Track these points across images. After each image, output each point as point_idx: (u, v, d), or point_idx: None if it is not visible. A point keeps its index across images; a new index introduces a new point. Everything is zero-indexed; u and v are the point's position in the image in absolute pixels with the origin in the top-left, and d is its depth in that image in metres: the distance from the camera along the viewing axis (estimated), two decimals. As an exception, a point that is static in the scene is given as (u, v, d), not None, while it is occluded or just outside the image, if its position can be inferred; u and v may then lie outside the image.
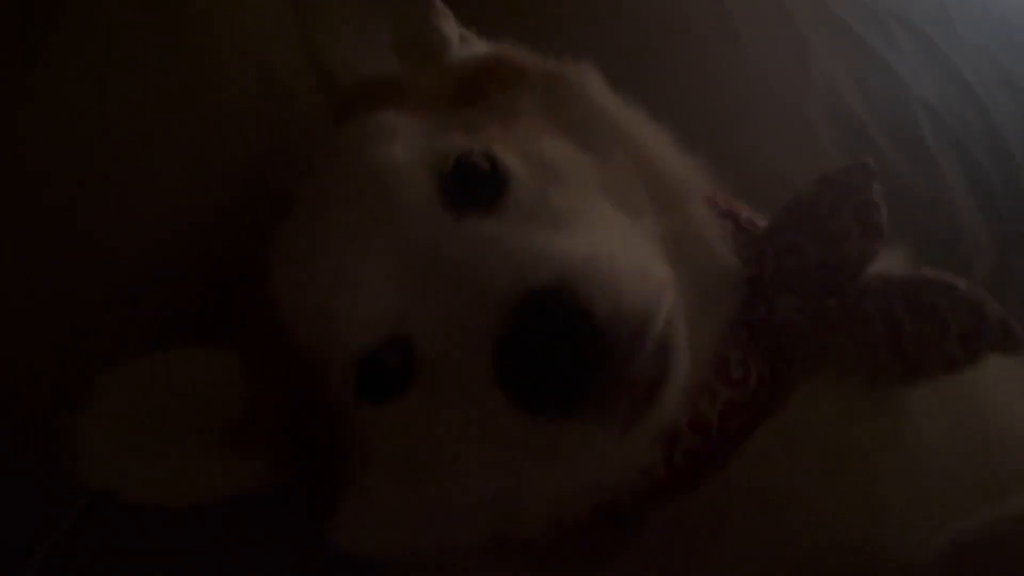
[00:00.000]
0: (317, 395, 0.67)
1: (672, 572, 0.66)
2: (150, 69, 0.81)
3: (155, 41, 0.82)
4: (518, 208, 0.66)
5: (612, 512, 0.67)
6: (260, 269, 0.70)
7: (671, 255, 0.68)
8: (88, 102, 0.78)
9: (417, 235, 0.64)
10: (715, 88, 1.12)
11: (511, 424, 0.56)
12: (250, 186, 0.81)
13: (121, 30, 0.81)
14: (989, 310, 0.64)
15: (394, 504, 0.68)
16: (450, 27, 0.85)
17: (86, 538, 0.76)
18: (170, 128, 0.80)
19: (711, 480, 0.66)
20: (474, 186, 0.66)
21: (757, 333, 0.70)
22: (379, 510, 0.69)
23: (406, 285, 0.63)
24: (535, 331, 0.54)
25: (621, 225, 0.67)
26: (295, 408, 0.69)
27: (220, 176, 0.81)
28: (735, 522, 0.65)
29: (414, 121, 0.72)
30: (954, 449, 0.66)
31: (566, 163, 0.70)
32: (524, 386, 0.55)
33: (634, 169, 0.73)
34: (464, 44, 0.86)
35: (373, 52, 0.84)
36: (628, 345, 0.55)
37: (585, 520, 0.67)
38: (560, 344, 0.54)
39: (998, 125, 1.33)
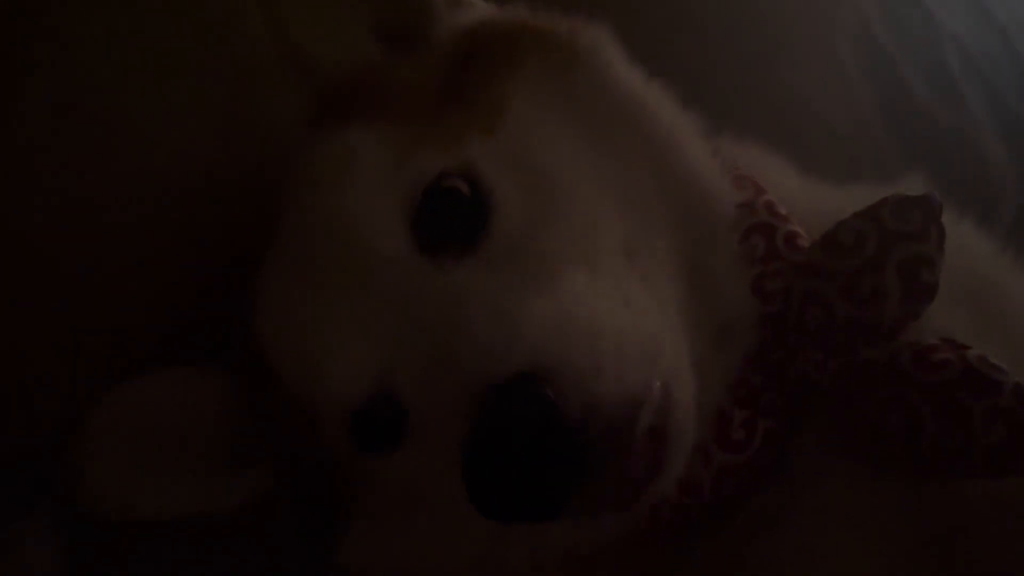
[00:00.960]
0: (311, 436, 0.65)
1: None
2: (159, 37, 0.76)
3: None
4: (501, 244, 0.59)
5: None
6: (250, 303, 0.67)
7: (684, 284, 0.62)
8: (90, 79, 0.73)
9: (392, 288, 0.59)
10: (748, 23, 1.10)
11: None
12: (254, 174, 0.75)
13: None
14: None
15: (393, 533, 0.68)
16: None
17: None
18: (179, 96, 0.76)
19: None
20: (452, 215, 0.60)
21: (771, 382, 0.62)
22: (382, 537, 0.68)
23: (386, 341, 0.58)
24: (500, 434, 0.48)
25: (619, 267, 0.60)
26: (291, 439, 0.68)
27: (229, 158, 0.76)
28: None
29: (383, 141, 0.64)
30: None
31: (562, 172, 0.63)
32: (488, 495, 0.49)
33: (652, 169, 0.66)
34: (458, 8, 0.76)
35: (353, 35, 0.75)
36: (608, 443, 0.49)
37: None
38: (527, 450, 0.47)
39: (1028, 62, 1.32)
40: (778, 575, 0.59)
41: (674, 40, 0.96)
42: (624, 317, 0.55)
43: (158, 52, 0.75)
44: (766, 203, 0.67)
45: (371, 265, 0.60)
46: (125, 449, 0.66)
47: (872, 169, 0.81)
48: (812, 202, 0.70)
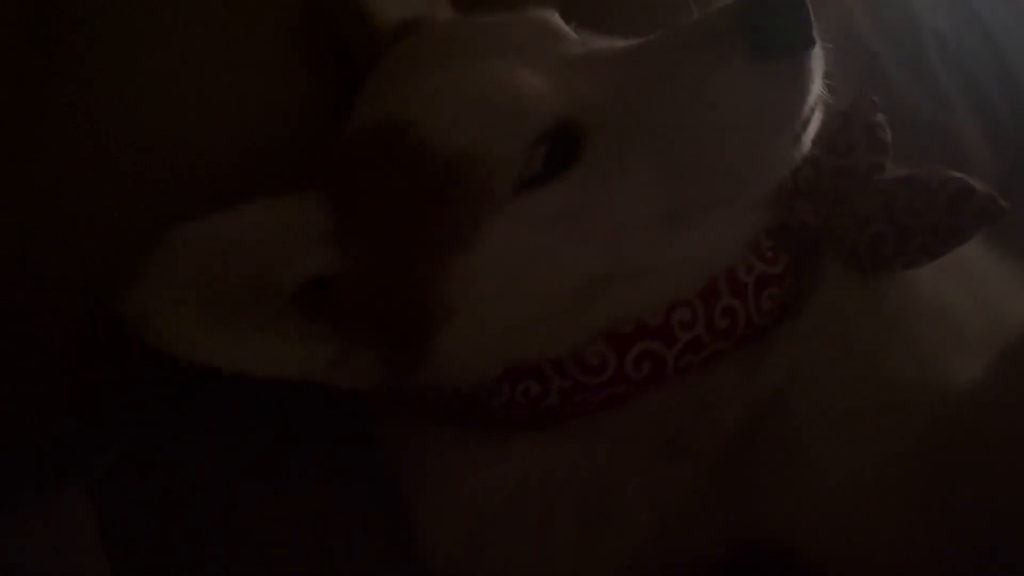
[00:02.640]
0: (441, 210, 0.66)
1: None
2: None
3: None
4: None
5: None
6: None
7: None
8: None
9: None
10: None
11: (745, 83, 0.67)
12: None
13: None
14: (977, 184, 0.70)
15: (498, 318, 0.69)
16: None
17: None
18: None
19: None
20: None
21: (779, 237, 0.76)
22: (482, 328, 0.69)
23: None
24: None
25: None
26: (393, 242, 0.68)
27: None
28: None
29: None
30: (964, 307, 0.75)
31: None
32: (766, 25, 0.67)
33: None
34: None
35: None
36: None
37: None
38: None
39: (1008, 56, 1.33)
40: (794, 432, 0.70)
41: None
42: None
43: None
44: None
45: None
46: (195, 287, 0.64)
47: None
48: None
